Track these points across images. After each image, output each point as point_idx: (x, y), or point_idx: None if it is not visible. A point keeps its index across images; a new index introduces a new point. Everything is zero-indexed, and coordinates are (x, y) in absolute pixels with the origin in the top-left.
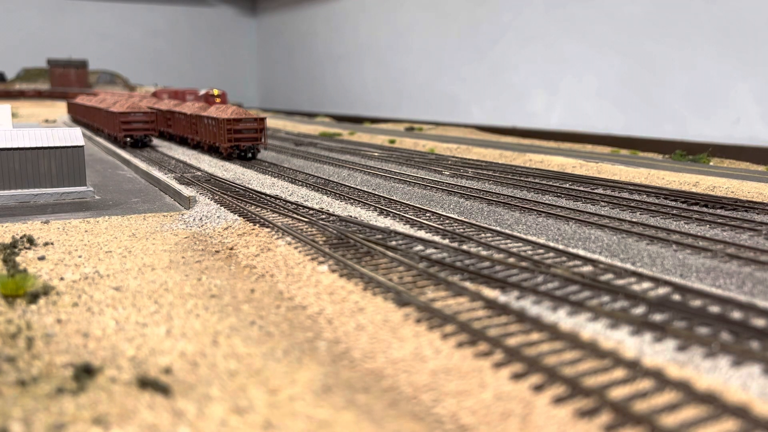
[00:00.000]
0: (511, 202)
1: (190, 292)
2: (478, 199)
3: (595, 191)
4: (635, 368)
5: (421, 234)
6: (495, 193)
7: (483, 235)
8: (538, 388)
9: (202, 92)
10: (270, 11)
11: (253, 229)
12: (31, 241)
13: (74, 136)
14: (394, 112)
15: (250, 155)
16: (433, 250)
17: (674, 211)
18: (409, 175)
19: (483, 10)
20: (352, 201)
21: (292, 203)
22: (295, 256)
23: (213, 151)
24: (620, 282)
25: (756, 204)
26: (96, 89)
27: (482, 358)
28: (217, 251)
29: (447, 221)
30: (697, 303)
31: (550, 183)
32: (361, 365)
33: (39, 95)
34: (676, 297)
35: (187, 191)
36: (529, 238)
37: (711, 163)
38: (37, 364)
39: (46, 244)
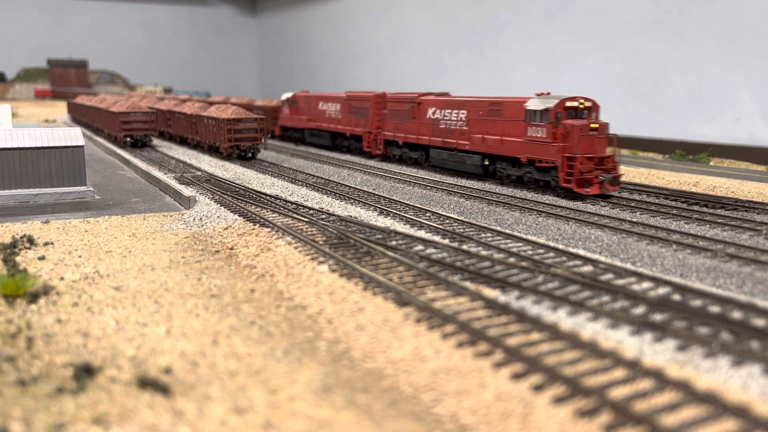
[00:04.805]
0: (511, 202)
1: (190, 292)
2: (478, 199)
3: None
4: (635, 368)
5: (421, 234)
6: (495, 192)
7: (483, 234)
8: (538, 388)
9: (553, 101)
10: (270, 11)
11: (253, 229)
12: (31, 240)
13: (74, 135)
14: None
15: (250, 155)
16: (433, 250)
17: (674, 211)
18: (409, 174)
19: (483, 10)
20: (352, 201)
21: (292, 203)
22: (295, 256)
23: (213, 151)
24: (620, 282)
25: (756, 204)
26: (119, 90)
27: (482, 358)
28: (217, 251)
29: (447, 221)
30: (697, 303)
31: None
32: (361, 365)
33: (52, 95)
34: (676, 297)
35: (187, 191)
36: (529, 237)
37: (711, 163)
38: (37, 364)
39: (46, 243)
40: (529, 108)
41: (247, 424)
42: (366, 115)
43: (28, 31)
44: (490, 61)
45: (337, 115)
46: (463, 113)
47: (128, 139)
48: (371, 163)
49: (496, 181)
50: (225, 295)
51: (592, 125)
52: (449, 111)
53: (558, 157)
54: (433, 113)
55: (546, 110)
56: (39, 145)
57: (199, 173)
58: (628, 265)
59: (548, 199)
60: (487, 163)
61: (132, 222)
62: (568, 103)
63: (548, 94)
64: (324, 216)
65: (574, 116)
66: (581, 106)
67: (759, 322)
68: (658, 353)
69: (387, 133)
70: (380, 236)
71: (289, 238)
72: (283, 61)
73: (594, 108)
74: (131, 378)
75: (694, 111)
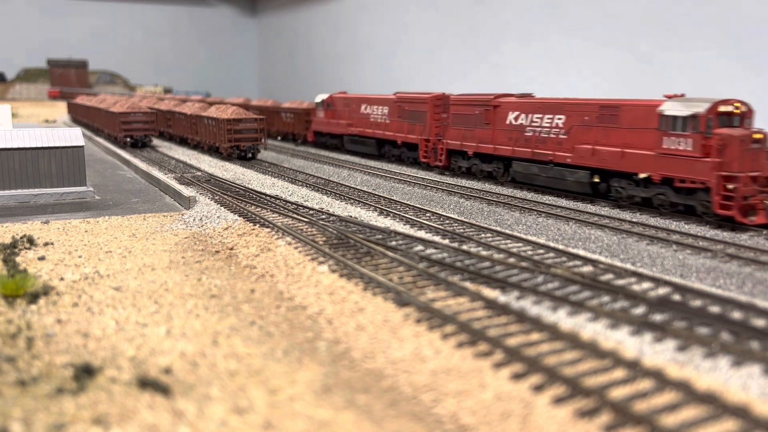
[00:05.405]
0: (511, 202)
1: (190, 292)
2: (478, 199)
3: None
4: (635, 368)
5: (421, 234)
6: (495, 193)
7: (483, 235)
8: (538, 388)
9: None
10: (270, 11)
11: (253, 229)
12: (31, 241)
13: (74, 136)
14: None
15: (250, 155)
16: (433, 250)
17: (674, 211)
18: (409, 175)
19: (483, 10)
20: (352, 201)
21: (292, 203)
22: (295, 256)
23: (213, 151)
24: (620, 282)
25: None
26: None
27: (482, 359)
28: (217, 251)
29: (447, 221)
30: (697, 303)
31: None
32: (361, 365)
33: (59, 95)
34: (676, 297)
35: (187, 191)
36: (529, 238)
37: None
38: (37, 364)
39: (46, 244)
40: (666, 113)
41: (247, 425)
42: (422, 120)
43: (28, 31)
44: (490, 61)
45: (385, 119)
46: (560, 118)
47: (128, 139)
48: (371, 163)
49: (611, 202)
50: (225, 295)
51: (755, 136)
52: (539, 116)
53: (711, 176)
54: (516, 118)
55: (693, 116)
56: (39, 145)
57: (199, 173)
58: (628, 266)
59: (548, 199)
60: (597, 180)
61: (132, 222)
62: (722, 108)
63: (683, 95)
64: (324, 216)
65: (727, 124)
66: (736, 111)
67: (759, 322)
68: (658, 353)
69: (451, 142)
70: (380, 236)
71: (289, 239)
72: (283, 62)
73: (748, 114)
74: (131, 378)
75: None
